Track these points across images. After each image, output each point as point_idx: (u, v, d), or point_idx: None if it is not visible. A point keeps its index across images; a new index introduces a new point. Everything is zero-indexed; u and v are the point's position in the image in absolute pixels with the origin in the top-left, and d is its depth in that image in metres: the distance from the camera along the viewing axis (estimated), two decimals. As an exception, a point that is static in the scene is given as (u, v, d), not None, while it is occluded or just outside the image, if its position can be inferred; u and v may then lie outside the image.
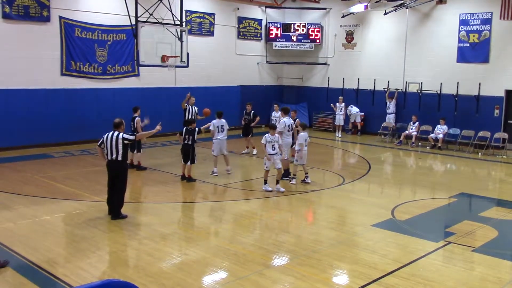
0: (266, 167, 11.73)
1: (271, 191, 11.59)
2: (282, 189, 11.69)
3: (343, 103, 21.67)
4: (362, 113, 22.16)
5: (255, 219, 10.06)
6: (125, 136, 9.39)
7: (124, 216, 9.52)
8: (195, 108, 16.65)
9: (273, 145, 11.63)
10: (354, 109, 21.94)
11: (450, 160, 17.17)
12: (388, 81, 21.26)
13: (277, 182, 11.75)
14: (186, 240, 8.61)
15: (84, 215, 9.75)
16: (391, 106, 20.73)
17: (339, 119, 21.67)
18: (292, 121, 13.60)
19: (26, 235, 8.56)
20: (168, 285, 6.72)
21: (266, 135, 11.72)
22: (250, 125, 16.47)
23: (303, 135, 12.60)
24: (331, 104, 22.04)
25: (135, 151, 13.80)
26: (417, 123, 19.51)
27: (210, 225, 9.57)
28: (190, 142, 12.51)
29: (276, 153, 11.68)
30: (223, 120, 13.47)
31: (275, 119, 16.21)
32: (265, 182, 11.80)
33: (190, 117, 16.32)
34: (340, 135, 21.57)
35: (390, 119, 20.69)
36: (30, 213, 9.73)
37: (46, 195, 11.05)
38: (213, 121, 13.38)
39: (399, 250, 8.30)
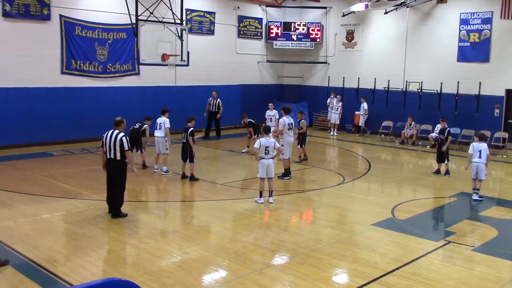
0: (260, 175, 10.70)
1: (262, 203, 10.69)
2: (271, 200, 10.72)
3: (340, 102, 21.70)
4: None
5: (255, 218, 10.06)
6: (124, 140, 9.35)
7: (124, 215, 9.53)
8: (218, 100, 17.92)
9: (267, 148, 10.62)
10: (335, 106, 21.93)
11: (450, 159, 17.12)
12: (389, 80, 21.26)
13: (270, 193, 10.76)
14: (186, 239, 8.60)
15: (84, 213, 9.75)
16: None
17: (335, 118, 21.69)
18: (292, 119, 13.57)
19: (26, 233, 8.57)
20: (168, 284, 6.73)
21: (261, 139, 10.78)
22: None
23: (476, 145, 11.34)
24: (327, 102, 22.13)
25: (139, 151, 13.82)
26: (413, 123, 19.46)
27: (210, 223, 9.58)
28: (184, 140, 12.40)
29: (270, 158, 10.66)
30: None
31: (270, 118, 16.22)
32: (260, 195, 10.75)
33: (211, 110, 18.50)
34: (336, 133, 21.62)
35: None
36: (30, 212, 9.74)
37: (46, 194, 11.05)
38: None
39: (399, 249, 8.30)
